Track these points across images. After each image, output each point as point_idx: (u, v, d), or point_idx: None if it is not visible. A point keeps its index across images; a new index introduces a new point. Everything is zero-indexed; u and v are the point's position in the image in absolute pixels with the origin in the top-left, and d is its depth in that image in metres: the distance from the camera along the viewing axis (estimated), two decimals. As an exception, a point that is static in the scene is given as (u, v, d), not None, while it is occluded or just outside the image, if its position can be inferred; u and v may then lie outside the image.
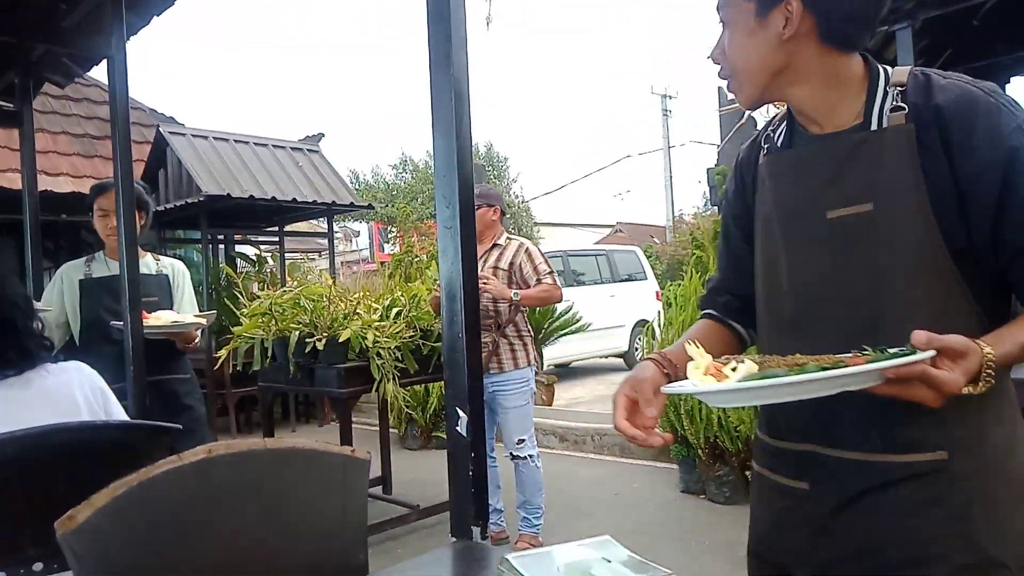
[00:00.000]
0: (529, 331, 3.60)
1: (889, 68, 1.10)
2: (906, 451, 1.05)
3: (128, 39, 2.39)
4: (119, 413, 1.81)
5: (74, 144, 7.01)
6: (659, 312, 5.43)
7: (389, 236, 22.10)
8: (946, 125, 1.00)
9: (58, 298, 2.88)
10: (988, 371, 0.93)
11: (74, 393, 1.69)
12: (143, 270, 2.79)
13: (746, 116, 5.37)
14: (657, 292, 11.00)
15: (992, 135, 0.98)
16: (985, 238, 1.00)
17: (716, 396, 0.99)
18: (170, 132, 6.63)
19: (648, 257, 12.24)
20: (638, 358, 10.34)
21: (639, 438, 1.05)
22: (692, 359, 1.01)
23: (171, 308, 2.98)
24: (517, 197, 23.11)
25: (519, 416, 3.47)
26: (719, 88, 5.44)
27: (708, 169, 5.48)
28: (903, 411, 1.00)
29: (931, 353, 0.89)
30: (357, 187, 20.17)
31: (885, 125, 1.05)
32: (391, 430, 5.08)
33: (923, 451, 1.05)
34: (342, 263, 14.80)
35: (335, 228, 7.95)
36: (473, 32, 1.42)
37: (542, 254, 3.57)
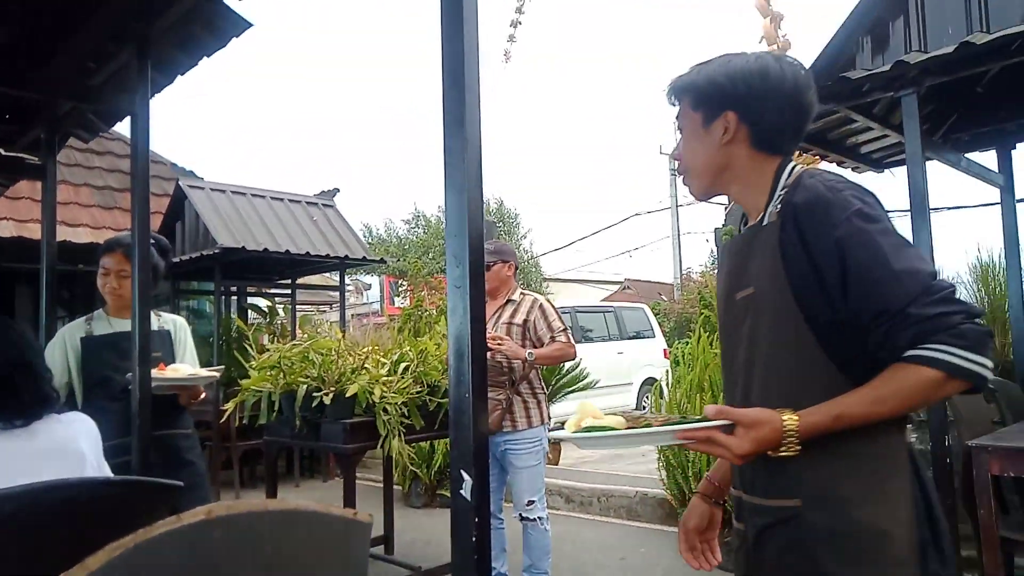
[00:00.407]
0: (543, 388, 3.57)
1: (797, 168, 1.31)
2: (774, 496, 1.25)
3: (152, 96, 2.46)
4: (108, 471, 1.79)
5: (95, 196, 7.16)
6: (667, 371, 5.38)
7: (400, 289, 22.24)
8: (799, 221, 1.21)
9: (60, 357, 2.85)
10: (790, 438, 1.15)
11: (80, 445, 1.68)
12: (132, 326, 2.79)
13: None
14: (665, 350, 10.94)
15: (827, 227, 1.18)
16: (845, 312, 1.17)
17: (569, 439, 1.32)
18: (189, 185, 6.76)
19: (656, 314, 12.23)
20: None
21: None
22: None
23: (174, 363, 2.98)
24: (527, 252, 23.29)
25: (531, 476, 3.40)
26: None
27: (716, 229, 5.52)
28: (773, 462, 1.20)
29: (721, 421, 1.16)
30: (370, 240, 20.40)
31: (767, 222, 1.28)
32: (395, 487, 5.00)
33: (784, 498, 1.23)
34: (353, 315, 14.83)
35: (347, 280, 8.00)
36: (488, 82, 1.45)
37: (556, 310, 3.57)
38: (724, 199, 5.63)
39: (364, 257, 7.41)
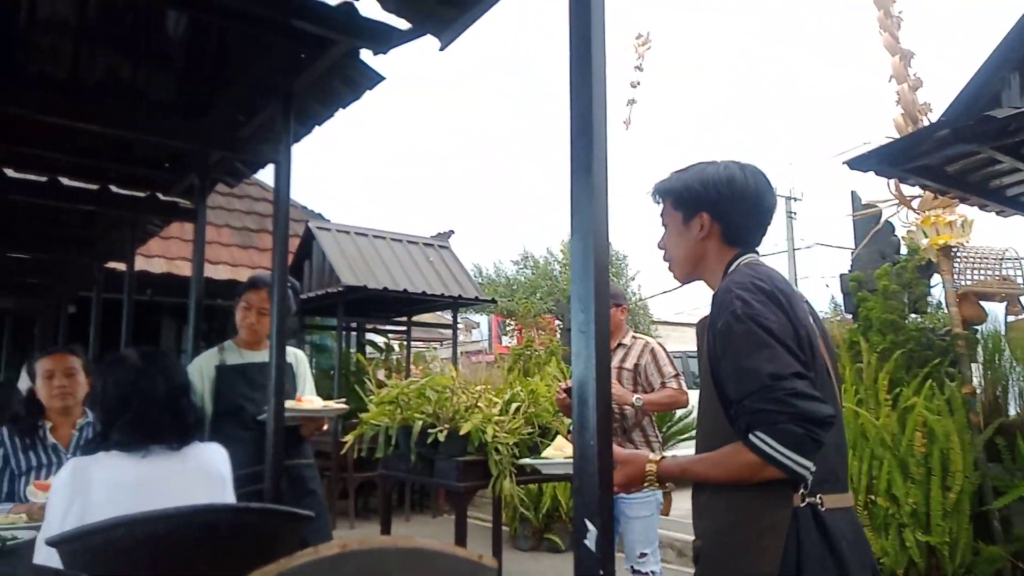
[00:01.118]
0: (657, 436, 3.46)
1: (742, 260, 1.59)
2: (697, 537, 1.55)
3: (292, 145, 2.64)
4: (233, 498, 1.89)
5: (234, 236, 7.75)
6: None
7: (507, 328, 22.47)
8: (711, 311, 1.53)
9: (197, 385, 2.94)
10: (649, 476, 1.50)
11: (221, 471, 1.79)
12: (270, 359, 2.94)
13: (883, 221, 5.13)
14: (785, 399, 10.40)
15: (714, 321, 1.50)
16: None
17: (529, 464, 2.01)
18: (317, 227, 7.20)
19: (774, 361, 11.64)
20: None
21: None
22: None
23: (295, 395, 3.08)
24: (634, 295, 22.97)
25: (644, 527, 3.29)
26: (852, 192, 5.26)
27: (841, 275, 5.22)
28: (694, 505, 1.55)
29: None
30: (480, 280, 20.83)
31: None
32: (503, 527, 4.98)
33: (696, 536, 1.55)
34: (462, 353, 15.11)
35: (457, 318, 8.19)
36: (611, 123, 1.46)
37: (668, 355, 3.48)
38: (851, 241, 5.35)
39: (476, 297, 7.57)
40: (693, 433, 5.87)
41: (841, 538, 1.40)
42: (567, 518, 5.61)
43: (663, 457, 1.52)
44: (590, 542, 1.31)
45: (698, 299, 25.87)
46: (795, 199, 22.63)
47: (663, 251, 1.71)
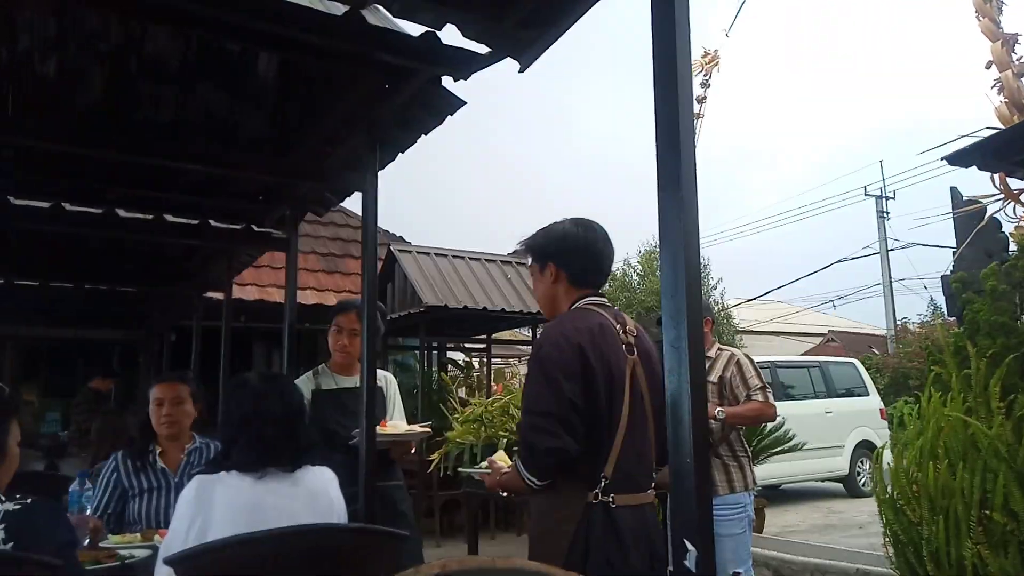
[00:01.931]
0: (746, 451, 3.35)
1: (578, 303, 1.99)
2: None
3: (377, 173, 2.73)
4: (346, 518, 1.95)
5: (320, 262, 8.05)
6: (888, 433, 4.83)
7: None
8: None
9: None
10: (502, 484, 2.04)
11: (330, 492, 1.85)
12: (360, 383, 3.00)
13: (987, 218, 4.83)
14: (882, 410, 9.87)
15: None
16: None
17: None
18: (399, 250, 7.39)
19: (867, 369, 11.09)
20: (861, 485, 9.22)
21: None
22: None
23: (385, 418, 3.12)
24: (717, 304, 22.40)
25: (735, 545, 3.19)
26: (952, 188, 4.98)
27: (943, 276, 4.93)
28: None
29: (499, 465, 2.10)
30: (556, 295, 20.77)
31: None
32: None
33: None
34: (541, 369, 15.08)
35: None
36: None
37: (754, 366, 3.36)
38: (951, 240, 5.06)
39: (555, 312, 7.56)
40: (786, 447, 5.62)
41: (627, 529, 1.80)
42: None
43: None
44: (690, 563, 1.29)
45: (783, 308, 24.95)
46: (888, 198, 21.57)
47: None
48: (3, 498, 1.52)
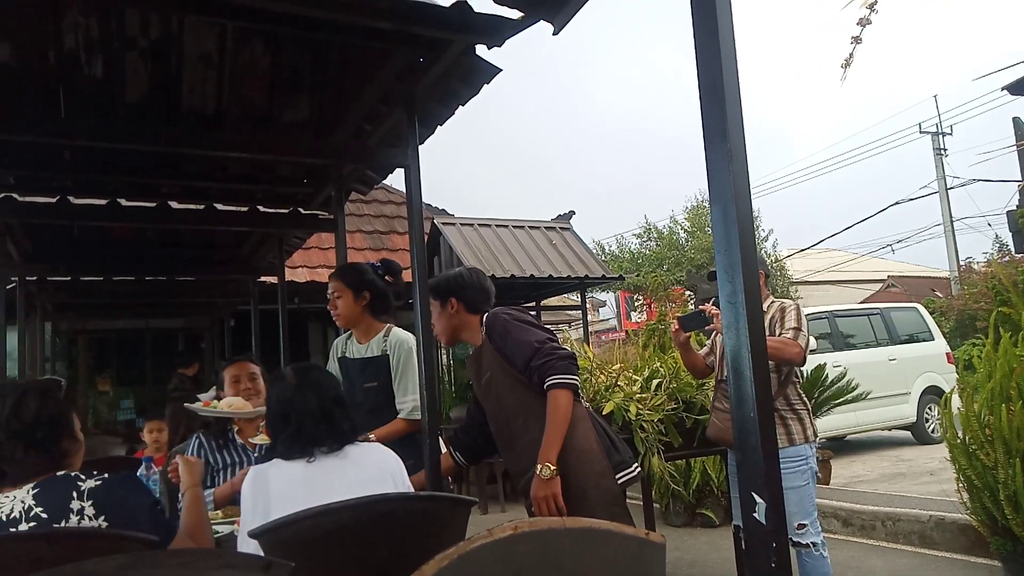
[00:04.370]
0: (804, 403, 3.29)
1: (490, 312, 2.56)
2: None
3: (418, 148, 2.73)
4: (411, 487, 2.01)
5: (366, 240, 8.15)
6: (956, 378, 4.69)
7: (635, 304, 22.16)
8: (491, 336, 2.53)
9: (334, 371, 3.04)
10: (546, 473, 2.31)
11: (385, 467, 1.92)
12: (367, 352, 2.94)
13: (1055, 146, 4.59)
14: (948, 354, 9.57)
15: (494, 331, 2.53)
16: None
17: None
18: (443, 223, 7.43)
19: (931, 313, 10.72)
20: (931, 431, 9.00)
21: None
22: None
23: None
24: (769, 256, 21.90)
25: (799, 497, 3.15)
26: (1015, 119, 4.73)
27: (1008, 212, 4.74)
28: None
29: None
30: (604, 258, 20.65)
31: (482, 343, 2.57)
32: (653, 504, 4.95)
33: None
34: (592, 332, 15.10)
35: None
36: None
37: (798, 312, 3.22)
38: (1016, 174, 4.83)
39: (603, 275, 7.53)
40: (849, 397, 5.50)
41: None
42: (719, 492, 5.48)
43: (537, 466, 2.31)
44: (759, 515, 1.29)
45: (839, 255, 24.24)
46: (945, 134, 20.61)
47: (433, 326, 2.61)
48: (84, 477, 1.62)
